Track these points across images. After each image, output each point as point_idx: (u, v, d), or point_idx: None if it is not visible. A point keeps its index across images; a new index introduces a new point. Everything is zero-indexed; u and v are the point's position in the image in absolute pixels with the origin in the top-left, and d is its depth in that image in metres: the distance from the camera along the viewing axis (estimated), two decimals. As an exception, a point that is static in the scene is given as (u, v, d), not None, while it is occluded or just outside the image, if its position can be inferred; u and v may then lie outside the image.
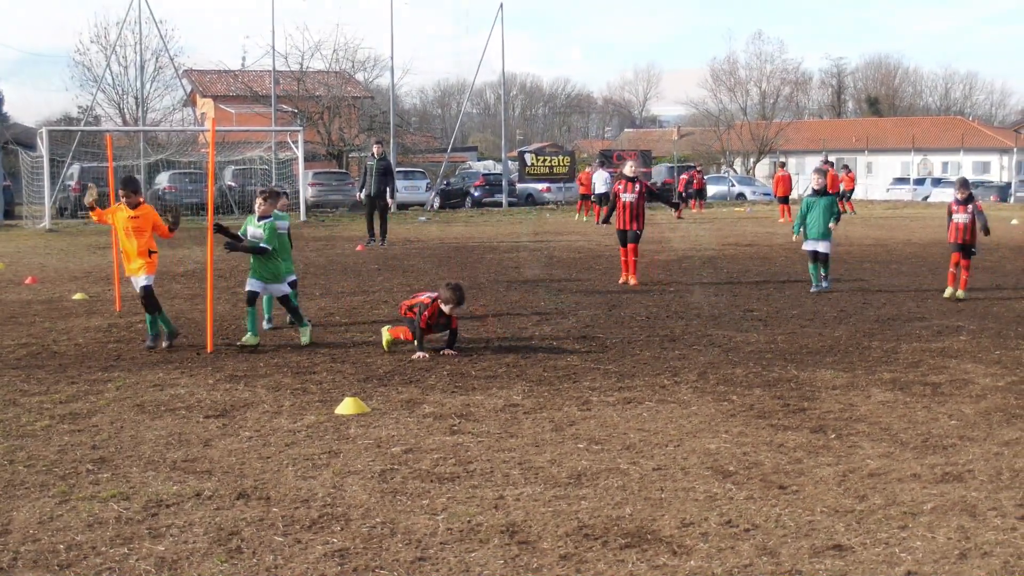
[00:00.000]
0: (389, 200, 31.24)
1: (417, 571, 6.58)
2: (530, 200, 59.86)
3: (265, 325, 15.69)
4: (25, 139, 56.06)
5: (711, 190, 71.12)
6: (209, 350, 13.81)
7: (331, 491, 8.09)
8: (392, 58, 58.21)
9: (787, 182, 45.75)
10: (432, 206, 55.98)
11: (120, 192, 14.48)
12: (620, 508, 7.68)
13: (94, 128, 52.02)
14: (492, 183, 60.65)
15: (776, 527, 7.27)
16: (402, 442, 9.48)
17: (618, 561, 6.70)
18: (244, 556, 6.81)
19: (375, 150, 31.68)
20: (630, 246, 20.69)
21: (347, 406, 10.57)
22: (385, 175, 30.96)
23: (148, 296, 14.03)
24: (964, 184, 19.02)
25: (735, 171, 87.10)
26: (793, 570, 6.54)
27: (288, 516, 7.52)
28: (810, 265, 20.05)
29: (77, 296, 19.29)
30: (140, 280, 14.06)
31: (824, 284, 19.79)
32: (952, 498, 7.87)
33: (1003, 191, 70.99)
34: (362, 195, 31.67)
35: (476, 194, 59.71)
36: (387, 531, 7.24)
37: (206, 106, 76.59)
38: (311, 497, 7.94)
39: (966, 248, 18.50)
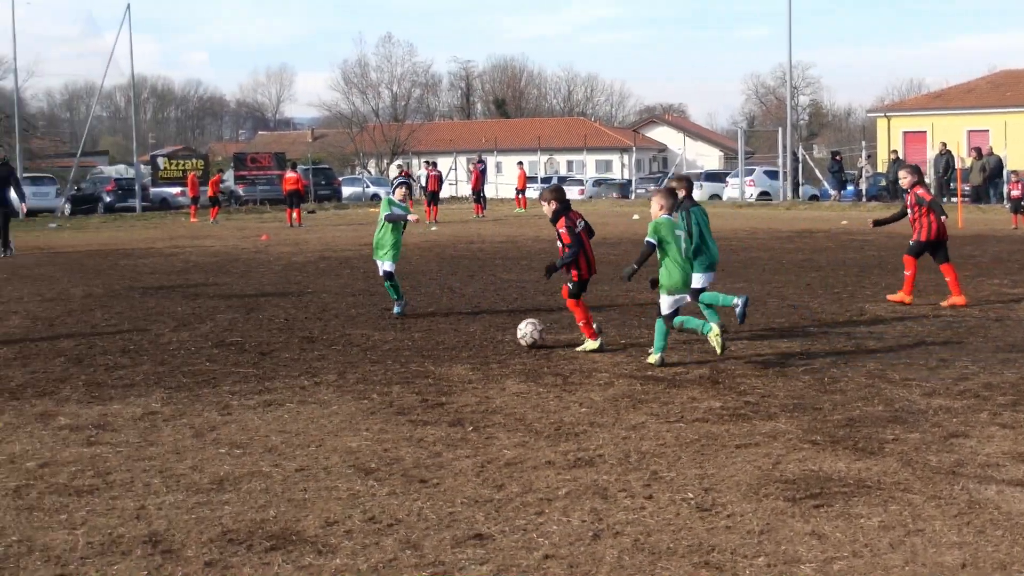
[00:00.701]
0: (21, 206, 30.19)
1: (56, 587, 6.39)
2: (164, 204, 58.65)
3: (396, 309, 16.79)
4: None
5: (346, 191, 71.38)
6: None
7: (-39, 511, 7.75)
8: (15, 59, 56.07)
9: (436, 181, 46.73)
10: (63, 212, 54.12)
11: None
12: (264, 511, 7.65)
13: None
14: (125, 188, 59.18)
15: (419, 520, 7.38)
16: (37, 456, 9.14)
17: (264, 564, 6.66)
18: None
19: None
20: None
21: (-24, 422, 10.14)
22: (6, 181, 29.82)
23: None
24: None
25: (369, 172, 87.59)
26: (436, 561, 6.65)
27: (-85, 539, 7.17)
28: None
29: None
30: None
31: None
32: (585, 482, 8.16)
33: (624, 188, 73.88)
34: None
35: (109, 199, 58.11)
36: (24, 549, 6.97)
37: None
38: (-60, 518, 7.58)
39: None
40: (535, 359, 13.06)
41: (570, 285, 13.41)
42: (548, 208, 13.61)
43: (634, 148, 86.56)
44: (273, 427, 10.01)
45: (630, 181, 76.59)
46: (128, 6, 55.46)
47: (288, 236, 36.87)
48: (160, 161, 63.12)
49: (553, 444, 9.26)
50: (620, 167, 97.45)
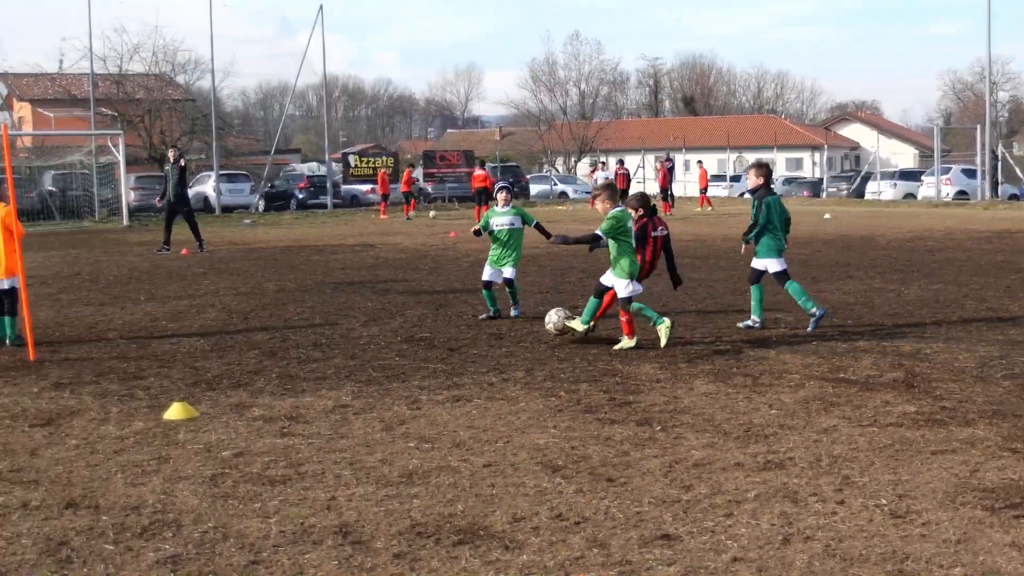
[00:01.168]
0: (155, 200, 31.01)
1: (250, 575, 6.51)
2: (355, 201, 59.62)
3: (513, 312, 16.72)
4: None
5: (534, 189, 71.65)
6: (31, 358, 13.47)
7: (161, 497, 7.95)
8: (212, 60, 57.52)
9: (624, 179, 46.81)
10: (257, 209, 55.38)
11: None
12: (452, 505, 7.70)
13: None
14: (316, 185, 60.25)
15: (605, 519, 7.35)
16: (232, 446, 9.37)
17: (451, 558, 6.70)
18: (74, 566, 6.66)
19: (171, 155, 31.32)
20: None
21: (175, 411, 10.39)
22: (183, 179, 30.61)
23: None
24: None
25: (557, 170, 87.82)
26: (623, 560, 6.62)
27: (118, 524, 7.38)
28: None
29: None
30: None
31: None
32: (774, 485, 8.05)
33: (815, 187, 72.80)
34: (162, 202, 31.16)
35: (301, 196, 59.28)
36: (219, 536, 7.14)
37: (23, 110, 74.71)
38: (141, 504, 7.80)
39: None
40: (724, 359, 12.93)
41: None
42: (635, 214, 14.56)
43: (825, 146, 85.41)
44: (461, 422, 10.08)
45: (821, 179, 75.49)
46: (320, 7, 56.49)
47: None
48: (351, 159, 64.16)
49: (742, 446, 9.16)
50: (811, 165, 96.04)
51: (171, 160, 30.74)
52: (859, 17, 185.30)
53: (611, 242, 13.73)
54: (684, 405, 10.62)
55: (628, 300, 13.65)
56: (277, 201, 58.31)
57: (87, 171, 48.72)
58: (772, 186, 15.72)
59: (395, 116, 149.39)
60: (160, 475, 8.52)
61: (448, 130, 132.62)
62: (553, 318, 14.38)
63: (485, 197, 43.53)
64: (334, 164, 62.80)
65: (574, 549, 6.82)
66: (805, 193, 70.19)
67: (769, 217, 15.06)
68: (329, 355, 13.59)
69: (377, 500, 7.82)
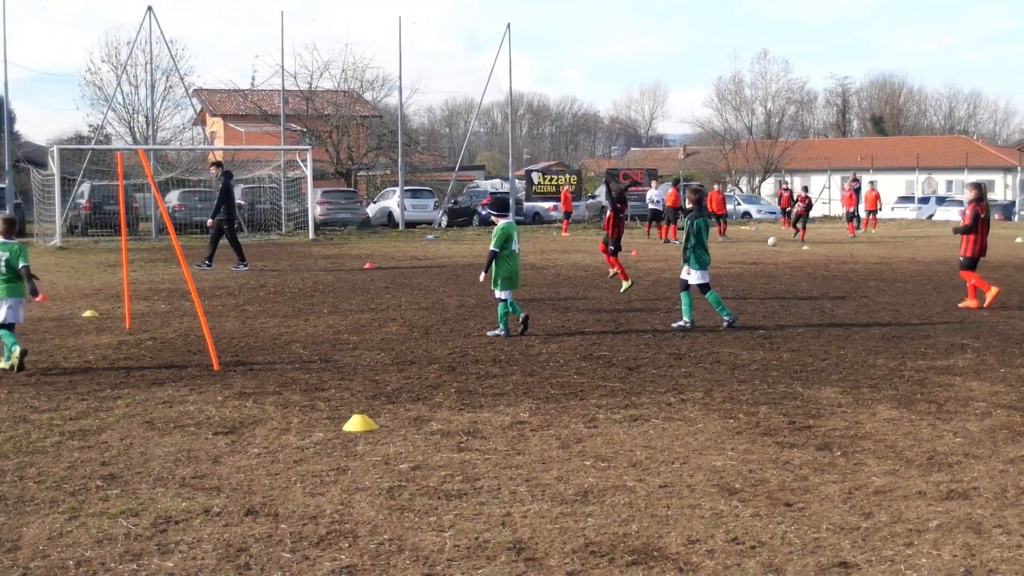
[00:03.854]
0: (208, 221, 29.76)
1: (424, 588, 6.58)
2: (537, 218, 59.90)
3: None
4: (36, 158, 56.13)
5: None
6: (215, 368, 13.81)
7: (339, 508, 8.08)
8: (400, 77, 58.85)
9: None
10: (440, 224, 56.01)
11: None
12: (626, 525, 7.68)
13: (105, 147, 52.09)
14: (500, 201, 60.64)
15: (782, 544, 7.27)
16: (410, 459, 9.47)
17: (625, 578, 6.70)
18: (252, 572, 6.81)
19: (216, 172, 31.10)
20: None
21: (355, 423, 10.56)
22: (228, 193, 29.85)
23: None
24: None
25: (740, 190, 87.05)
26: (799, 587, 6.54)
27: (296, 532, 7.52)
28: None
29: (87, 313, 19.33)
30: None
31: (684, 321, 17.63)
32: (957, 515, 7.86)
33: (1007, 209, 70.92)
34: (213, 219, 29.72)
35: (483, 212, 59.79)
36: (395, 548, 7.23)
37: (216, 125, 76.74)
38: (319, 514, 7.94)
39: None
40: (908, 384, 12.67)
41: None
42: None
43: (1019, 168, 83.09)
44: (638, 442, 10.05)
45: (1014, 202, 73.44)
46: (508, 25, 57.00)
47: (659, 251, 37.00)
48: (534, 176, 64.57)
49: (925, 474, 8.96)
50: (1003, 188, 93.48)
51: (217, 176, 30.55)
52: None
53: None
54: (866, 431, 10.44)
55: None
56: (460, 217, 58.80)
57: (275, 185, 49.84)
58: (703, 209, 17.96)
59: (579, 134, 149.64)
60: (338, 486, 8.66)
61: (632, 148, 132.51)
62: None
63: (673, 216, 43.21)
64: (517, 181, 63.18)
65: (749, 573, 6.76)
66: (997, 216, 68.15)
67: (699, 236, 17.33)
68: (508, 371, 13.66)
69: (552, 518, 7.83)
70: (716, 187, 51.13)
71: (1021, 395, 12.08)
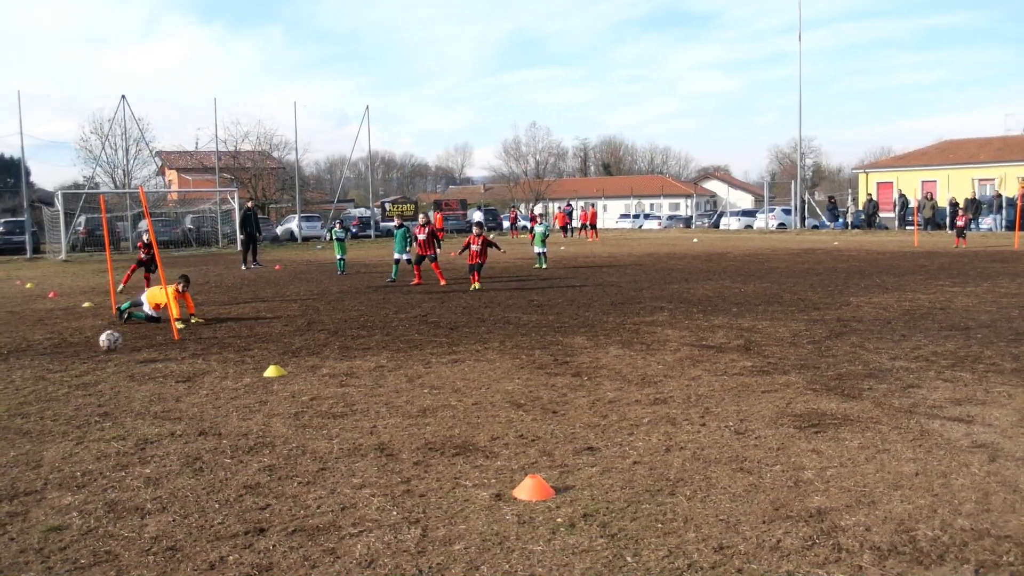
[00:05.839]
0: (240, 236, 31.20)
1: (320, 477, 6.51)
2: (389, 233, 59.14)
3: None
4: (46, 199, 53.71)
5: (505, 223, 71.21)
6: (176, 338, 13.40)
7: (262, 427, 7.93)
8: (296, 141, 57.50)
9: (565, 217, 47.37)
10: (324, 239, 55.01)
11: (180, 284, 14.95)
12: (451, 429, 7.70)
13: (94, 191, 49.85)
14: (364, 223, 59.92)
15: (551, 438, 7.37)
16: (308, 393, 9.34)
17: (451, 464, 6.72)
18: (204, 472, 6.65)
19: (241, 204, 31.76)
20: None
21: (271, 371, 10.35)
22: (247, 221, 30.79)
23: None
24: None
25: (521, 211, 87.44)
26: (563, 464, 6.65)
27: (233, 445, 7.36)
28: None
29: (86, 304, 18.50)
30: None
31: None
32: (660, 414, 8.07)
33: (688, 221, 72.82)
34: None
35: (354, 230, 58.92)
36: (299, 452, 7.14)
37: (172, 175, 74.23)
38: (248, 432, 7.78)
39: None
40: (628, 333, 12.93)
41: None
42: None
43: (694, 195, 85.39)
44: (458, 376, 10.07)
45: (691, 216, 75.49)
46: (367, 107, 56.33)
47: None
48: (387, 205, 63.87)
49: (640, 389, 9.18)
50: (685, 207, 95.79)
51: (239, 208, 30.95)
52: (717, 112, 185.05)
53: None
54: (602, 363, 10.64)
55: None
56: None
57: (213, 214, 48.59)
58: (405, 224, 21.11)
59: (415, 177, 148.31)
60: (261, 413, 8.50)
61: (450, 186, 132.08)
62: (105, 340, 12.48)
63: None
64: (376, 209, 62.57)
65: (531, 456, 6.84)
66: (681, 226, 70.10)
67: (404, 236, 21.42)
68: (372, 334, 13.55)
69: (403, 427, 7.82)
70: (511, 208, 51.62)
71: (698, 337, 12.44)
